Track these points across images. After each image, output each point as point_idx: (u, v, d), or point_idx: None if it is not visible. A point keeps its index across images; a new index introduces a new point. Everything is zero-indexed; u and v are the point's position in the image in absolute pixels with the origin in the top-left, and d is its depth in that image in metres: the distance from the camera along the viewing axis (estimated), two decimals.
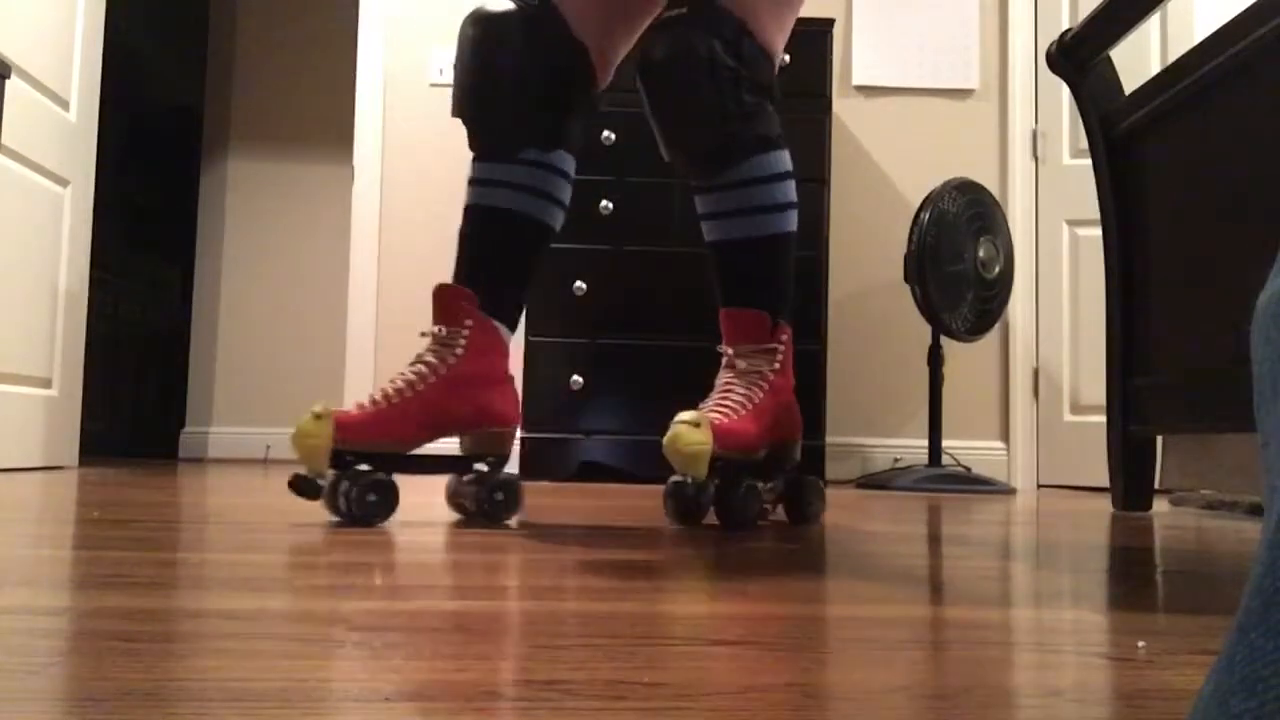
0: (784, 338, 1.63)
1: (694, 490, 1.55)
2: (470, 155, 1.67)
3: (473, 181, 1.60)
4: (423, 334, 1.61)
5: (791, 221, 1.64)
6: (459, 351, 1.57)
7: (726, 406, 1.55)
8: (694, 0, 1.56)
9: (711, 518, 1.60)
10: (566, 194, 1.65)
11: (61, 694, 0.51)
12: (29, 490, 2.12)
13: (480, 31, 1.54)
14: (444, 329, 1.56)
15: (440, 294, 1.57)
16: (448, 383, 1.58)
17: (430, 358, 1.56)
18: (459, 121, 3.64)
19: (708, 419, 1.47)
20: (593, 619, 0.75)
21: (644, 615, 0.77)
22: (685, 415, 1.48)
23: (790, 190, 1.64)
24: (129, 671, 0.56)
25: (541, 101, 1.56)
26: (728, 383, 1.60)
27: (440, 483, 2.72)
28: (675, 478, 1.61)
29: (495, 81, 1.54)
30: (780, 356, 1.62)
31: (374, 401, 1.52)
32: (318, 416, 1.43)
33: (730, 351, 1.61)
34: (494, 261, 1.61)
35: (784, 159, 1.63)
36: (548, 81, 1.56)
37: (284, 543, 1.21)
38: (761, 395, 1.59)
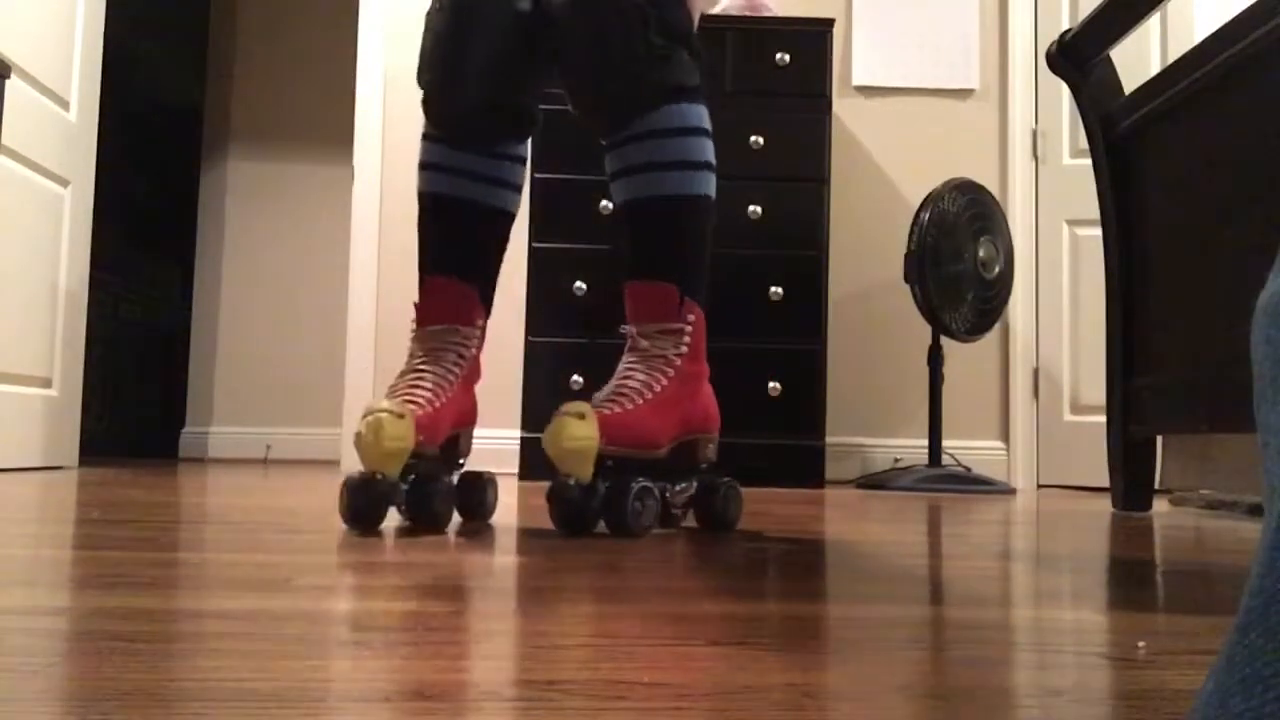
0: (691, 317, 1.46)
1: (578, 493, 1.34)
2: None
3: (450, 170, 1.51)
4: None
5: (706, 184, 1.48)
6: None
7: (622, 395, 1.40)
8: None
9: (602, 526, 1.39)
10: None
11: (61, 694, 0.51)
12: (29, 490, 2.12)
13: (488, 21, 1.45)
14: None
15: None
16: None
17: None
18: None
19: (593, 411, 1.34)
20: (592, 619, 0.75)
21: (644, 615, 0.77)
22: (570, 406, 1.34)
23: (706, 149, 1.48)
24: (129, 671, 0.56)
25: (495, 78, 1.47)
26: (628, 367, 1.45)
27: None
28: (560, 479, 1.38)
29: (500, 81, 1.48)
30: (688, 338, 1.45)
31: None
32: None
33: (637, 330, 1.46)
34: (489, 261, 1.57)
35: (699, 113, 1.48)
36: (520, 63, 1.48)
37: (284, 543, 1.21)
38: (665, 382, 1.43)
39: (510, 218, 1.55)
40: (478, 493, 1.53)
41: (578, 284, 3.13)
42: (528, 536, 1.38)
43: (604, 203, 3.17)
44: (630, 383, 1.42)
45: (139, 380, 5.41)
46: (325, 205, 4.79)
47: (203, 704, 0.50)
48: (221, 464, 4.03)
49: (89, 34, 3.39)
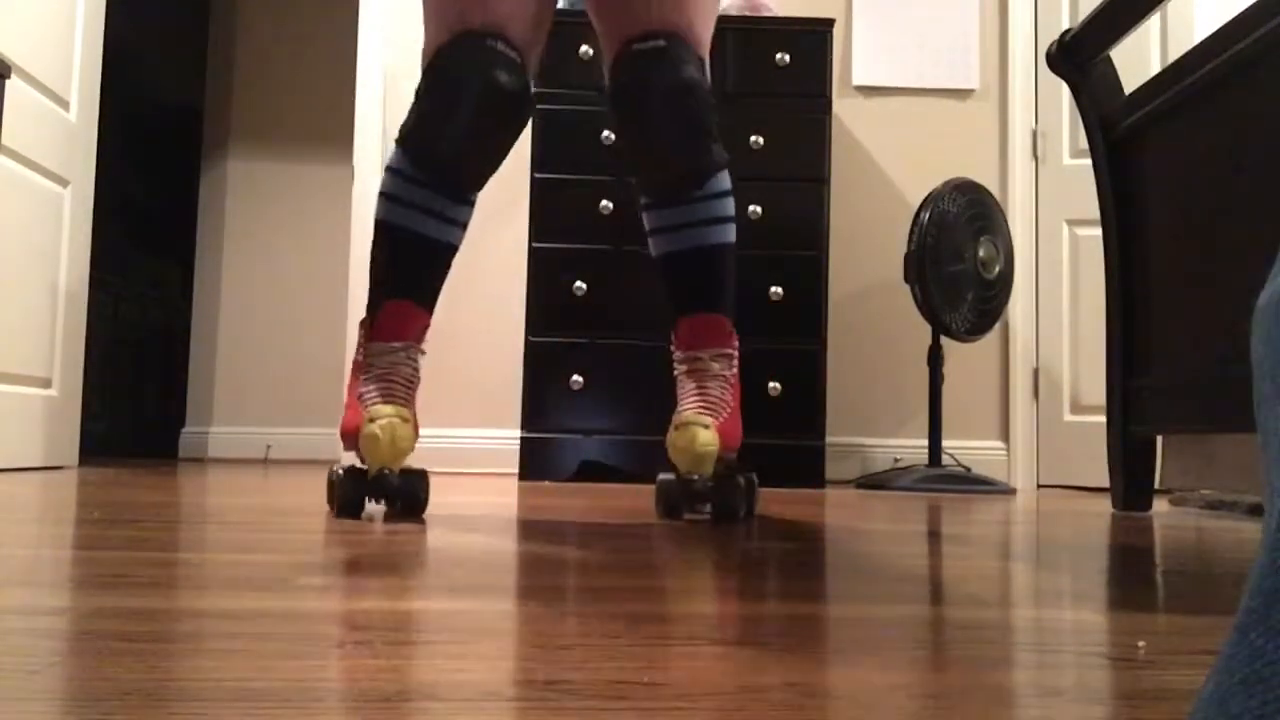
0: (736, 341, 1.77)
1: (701, 486, 1.61)
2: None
3: (424, 210, 1.64)
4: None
5: (734, 233, 1.78)
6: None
7: (712, 407, 1.67)
8: (663, 32, 1.65)
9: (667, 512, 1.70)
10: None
11: (61, 694, 0.51)
12: (29, 490, 2.12)
13: (478, 97, 1.57)
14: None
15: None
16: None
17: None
18: None
19: (713, 421, 1.61)
20: (593, 619, 0.75)
21: (644, 615, 0.77)
22: (692, 417, 1.60)
23: (732, 205, 1.78)
24: (129, 671, 0.56)
25: (500, 152, 1.66)
26: (702, 385, 1.70)
27: (439, 484, 2.73)
28: (666, 475, 1.71)
29: (480, 147, 1.62)
30: (736, 359, 1.77)
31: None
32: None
33: (704, 355, 1.72)
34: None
35: (728, 178, 1.78)
36: (509, 135, 1.64)
37: (284, 543, 1.21)
38: (731, 396, 1.72)
39: (455, 251, 1.71)
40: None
41: (578, 284, 3.13)
42: (528, 537, 1.38)
43: (604, 202, 3.17)
44: (711, 396, 1.69)
45: (139, 380, 5.41)
46: (325, 205, 4.79)
47: (203, 704, 0.50)
48: (221, 464, 4.03)
49: (89, 34, 3.39)
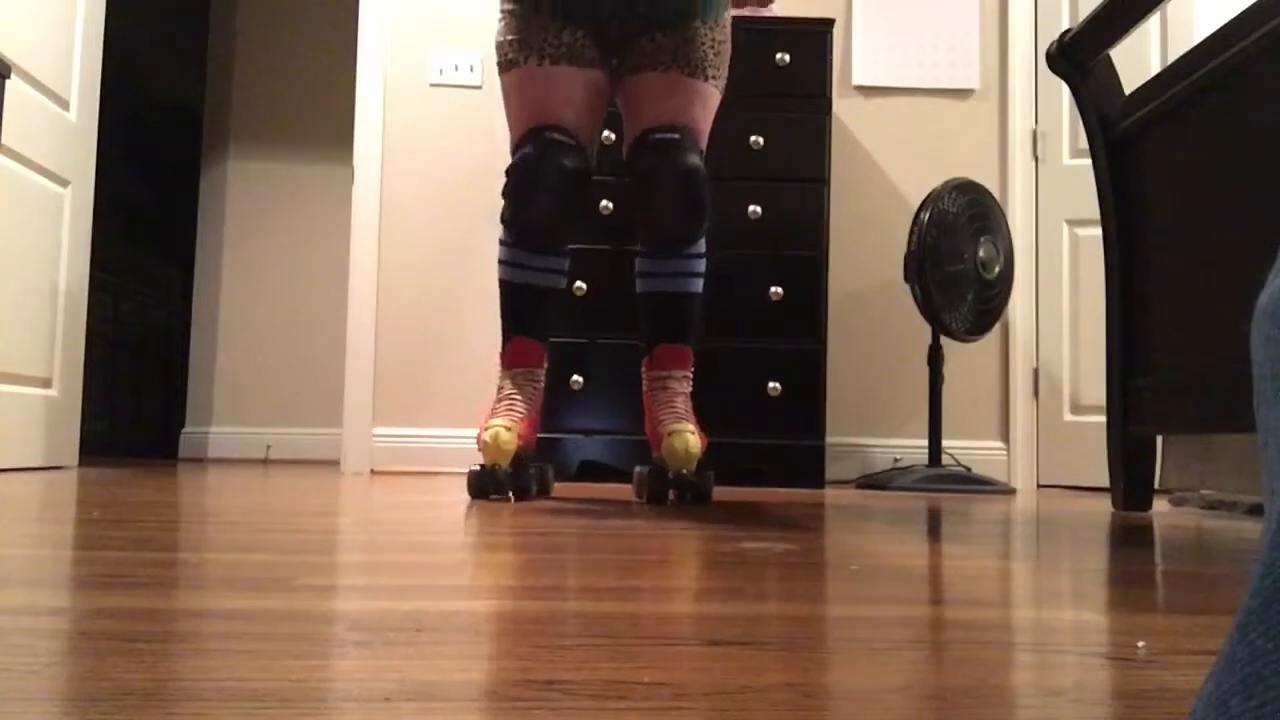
0: (692, 366, 2.27)
1: (692, 479, 2.11)
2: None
3: (528, 267, 2.17)
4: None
5: (702, 286, 2.28)
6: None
7: (685, 416, 2.18)
8: (676, 125, 2.12)
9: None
10: None
11: (61, 694, 0.51)
12: (29, 490, 2.12)
13: (549, 178, 2.05)
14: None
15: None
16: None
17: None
18: (459, 122, 3.65)
19: (695, 429, 2.14)
20: (593, 619, 0.75)
21: (644, 615, 0.77)
22: (681, 426, 2.12)
23: (704, 264, 2.27)
24: (129, 671, 0.56)
25: (574, 213, 2.14)
26: (673, 399, 2.20)
27: (440, 484, 2.73)
28: (644, 467, 2.26)
29: (556, 213, 2.10)
30: (691, 378, 2.27)
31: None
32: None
33: (676, 375, 2.22)
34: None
35: (704, 243, 2.28)
36: (578, 202, 2.12)
37: (284, 543, 1.21)
38: (691, 408, 2.23)
39: (559, 292, 2.23)
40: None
41: (578, 284, 3.13)
42: (527, 537, 1.38)
43: (604, 202, 3.17)
44: (680, 409, 2.19)
45: (139, 380, 5.41)
46: (325, 205, 4.79)
47: (203, 704, 0.50)
48: (221, 464, 4.03)
49: (89, 34, 3.39)
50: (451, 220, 3.62)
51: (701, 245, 2.24)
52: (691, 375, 2.26)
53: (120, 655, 0.59)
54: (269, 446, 4.66)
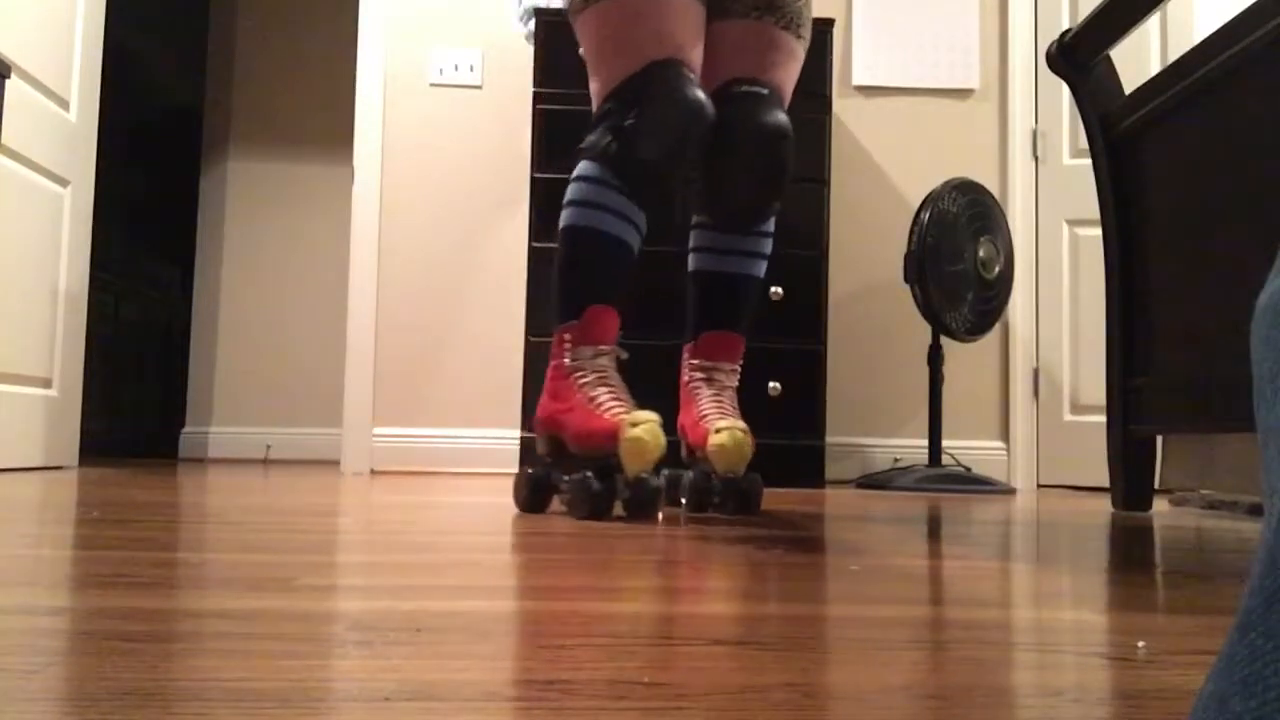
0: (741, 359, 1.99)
1: (746, 484, 1.83)
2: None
3: (623, 217, 1.77)
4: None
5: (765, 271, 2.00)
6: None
7: (732, 411, 1.88)
8: (765, 82, 1.86)
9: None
10: None
11: (61, 694, 0.51)
12: (29, 490, 2.12)
13: (687, 114, 1.73)
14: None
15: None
16: None
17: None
18: (459, 122, 3.65)
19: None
20: (593, 619, 0.75)
21: (644, 615, 0.77)
22: (735, 424, 1.77)
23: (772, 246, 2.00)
24: (129, 671, 0.56)
25: (690, 163, 1.80)
26: (718, 394, 1.91)
27: (441, 484, 2.73)
28: (673, 472, 1.96)
29: (683, 156, 1.76)
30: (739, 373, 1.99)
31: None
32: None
33: (723, 367, 1.93)
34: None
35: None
36: (699, 149, 1.79)
37: (284, 543, 1.21)
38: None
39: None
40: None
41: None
42: (528, 537, 1.38)
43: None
44: (727, 405, 1.89)
45: (139, 380, 5.41)
46: (325, 205, 4.79)
47: (203, 704, 0.50)
48: (221, 464, 4.03)
49: (89, 34, 3.39)
50: (451, 220, 3.62)
51: (772, 224, 1.97)
52: (740, 370, 1.99)
53: (120, 655, 0.59)
54: (269, 446, 4.66)
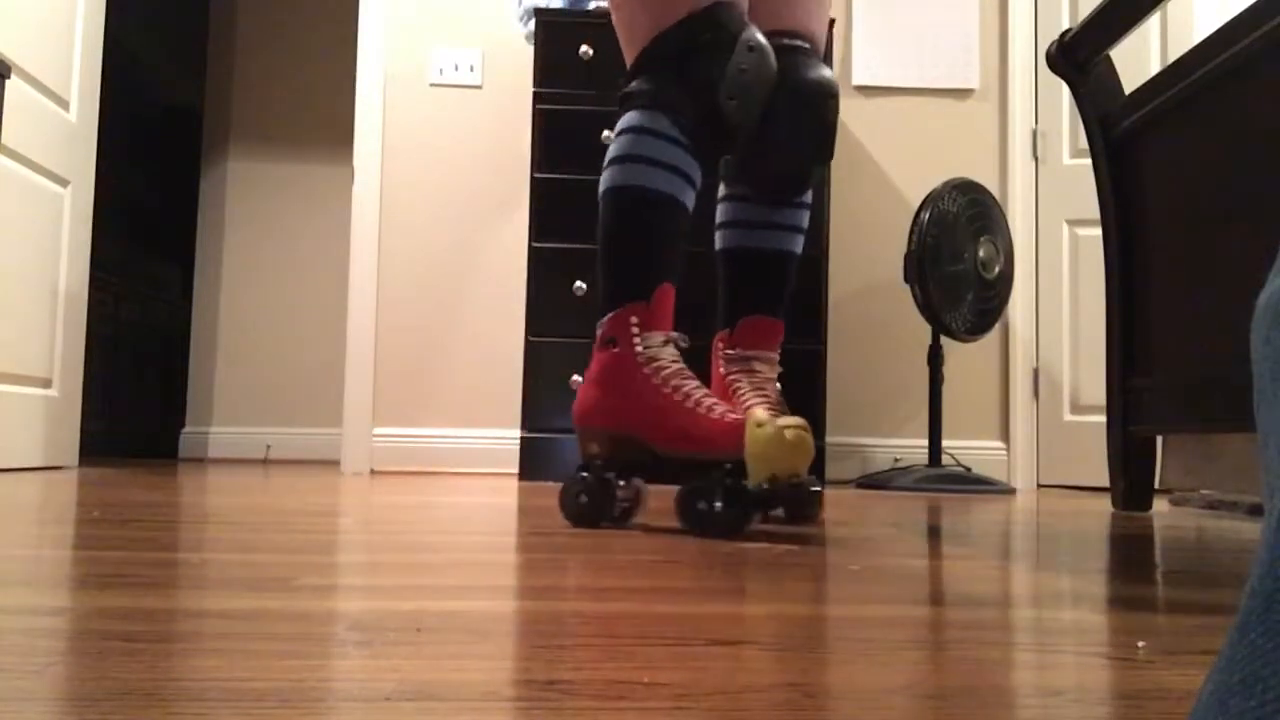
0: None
1: (806, 489, 1.63)
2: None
3: (683, 176, 1.55)
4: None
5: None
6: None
7: (783, 407, 1.71)
8: (806, 35, 1.72)
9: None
10: None
11: (61, 694, 0.51)
12: (29, 490, 2.12)
13: (761, 60, 1.55)
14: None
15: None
16: None
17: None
18: (459, 122, 3.65)
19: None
20: (593, 619, 0.75)
21: (644, 615, 0.77)
22: (796, 420, 1.46)
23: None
24: (129, 671, 0.56)
25: (759, 114, 1.61)
26: (761, 386, 1.72)
27: (441, 484, 2.73)
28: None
29: (755, 108, 1.57)
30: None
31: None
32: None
33: (766, 356, 1.76)
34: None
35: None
36: (766, 100, 1.60)
37: (284, 543, 1.21)
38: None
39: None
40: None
41: (578, 284, 3.13)
42: (527, 537, 1.38)
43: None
44: (772, 399, 1.71)
45: (139, 380, 5.40)
46: (325, 205, 4.79)
47: (203, 704, 0.50)
48: (221, 464, 4.03)
49: (89, 34, 3.39)
50: (451, 220, 3.62)
51: (810, 196, 1.81)
52: (778, 359, 1.80)
53: (120, 655, 0.59)
54: (269, 446, 4.66)
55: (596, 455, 1.55)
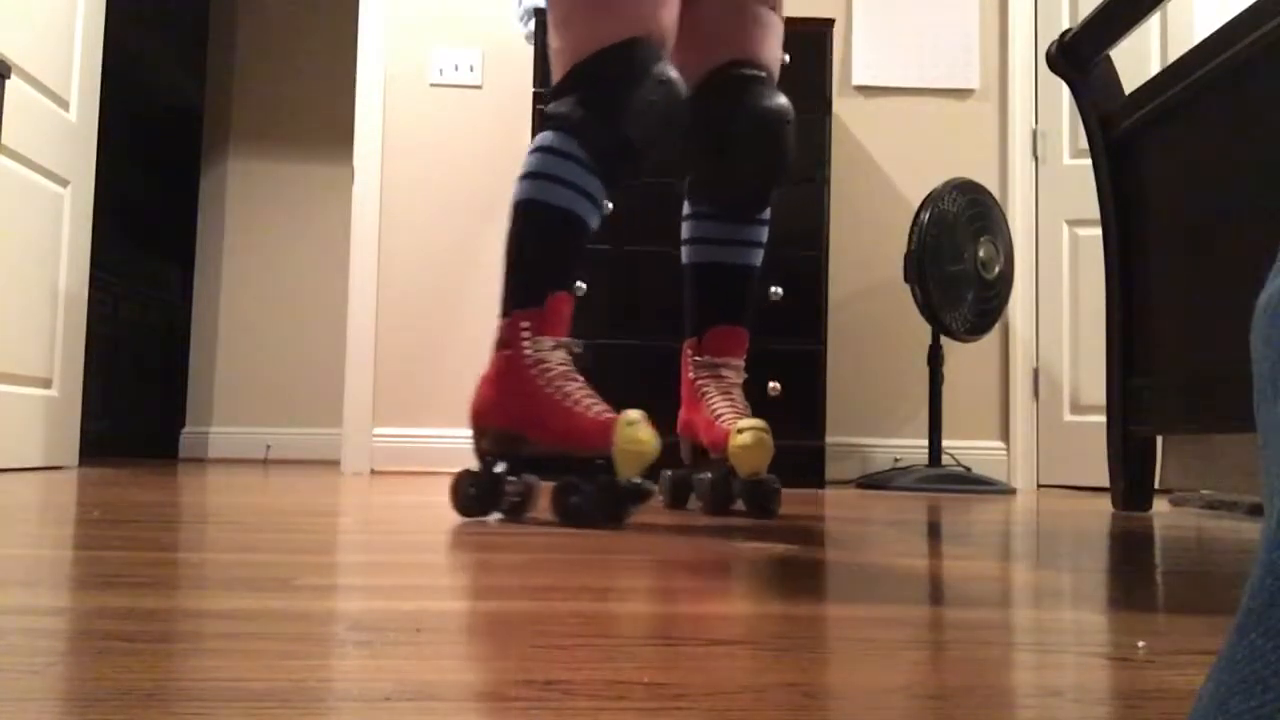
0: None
1: (770, 486, 1.79)
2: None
3: (588, 196, 1.65)
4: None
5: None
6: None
7: (749, 411, 1.84)
8: (760, 64, 1.84)
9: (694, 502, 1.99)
10: None
11: (61, 694, 0.51)
12: (29, 490, 2.12)
13: (669, 93, 1.65)
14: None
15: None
16: None
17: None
18: (459, 122, 3.65)
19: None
20: (593, 619, 0.75)
21: (644, 615, 0.77)
22: (758, 423, 1.74)
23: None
24: (129, 671, 0.56)
25: (664, 151, 1.72)
26: (727, 391, 1.86)
27: (441, 484, 2.73)
28: (678, 471, 1.98)
29: (665, 136, 1.67)
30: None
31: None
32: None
33: (732, 363, 1.89)
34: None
35: None
36: (673, 141, 1.72)
37: (284, 543, 1.21)
38: None
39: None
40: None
41: (577, 284, 3.13)
42: (527, 535, 1.38)
43: (605, 203, 3.16)
44: (740, 402, 1.85)
45: (139, 380, 5.41)
46: (325, 205, 4.79)
47: (203, 704, 0.50)
48: (221, 464, 4.03)
49: (89, 34, 3.39)
50: (451, 220, 3.62)
51: (768, 210, 1.94)
52: (745, 364, 1.95)
53: (120, 655, 0.59)
54: (269, 446, 4.66)
55: (488, 451, 1.64)
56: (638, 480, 1.53)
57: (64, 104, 3.25)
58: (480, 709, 0.50)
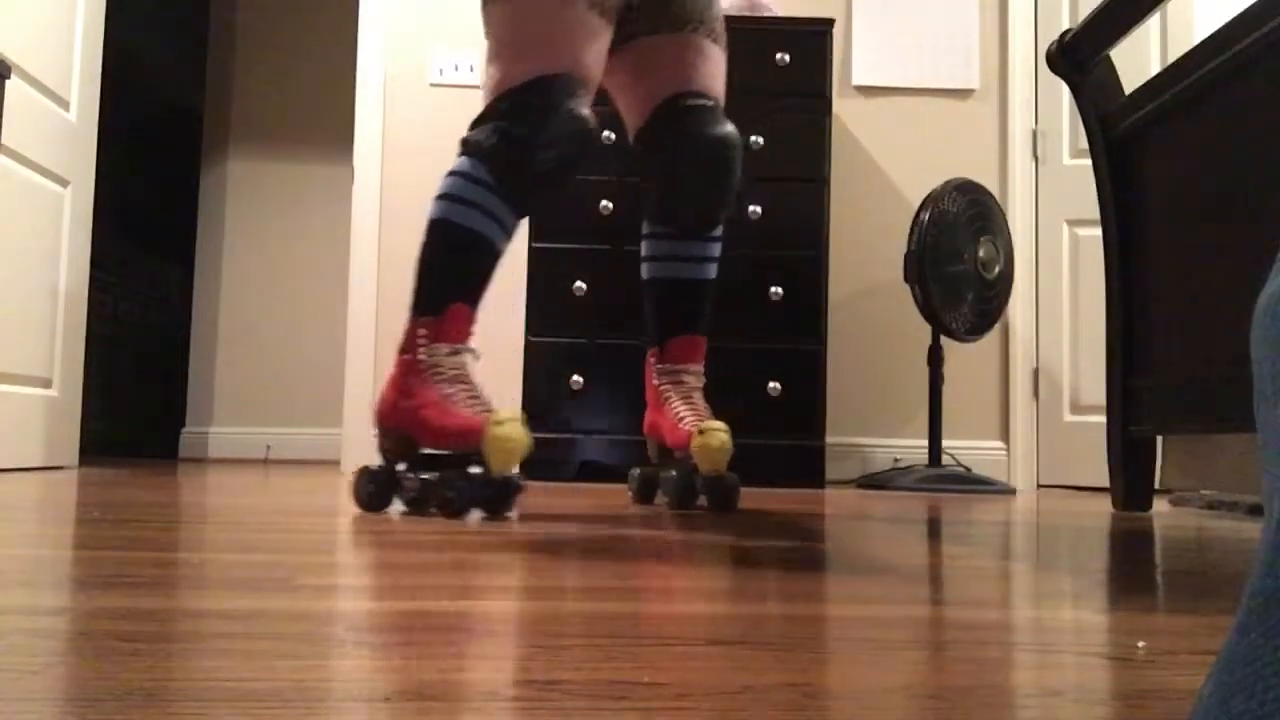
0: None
1: (730, 482, 1.92)
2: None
3: (495, 219, 1.76)
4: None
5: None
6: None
7: (709, 413, 1.99)
8: (708, 94, 1.96)
9: (662, 498, 2.14)
10: None
11: (61, 694, 0.51)
12: (29, 490, 2.12)
13: (578, 128, 1.75)
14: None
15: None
16: None
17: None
18: (459, 122, 3.65)
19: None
20: (593, 619, 0.75)
21: (644, 615, 0.77)
22: (712, 423, 1.90)
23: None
24: (129, 671, 0.56)
25: (566, 184, 1.83)
26: (691, 394, 2.02)
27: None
28: (645, 468, 2.14)
29: (568, 171, 1.77)
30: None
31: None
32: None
33: (692, 369, 2.04)
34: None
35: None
36: (575, 173, 1.82)
37: (284, 543, 1.21)
38: None
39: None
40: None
41: (577, 284, 3.13)
42: (527, 536, 1.38)
43: (604, 202, 3.16)
44: (700, 404, 2.00)
45: (139, 380, 5.41)
46: (325, 205, 4.79)
47: (203, 704, 0.50)
48: (221, 464, 4.03)
49: (89, 34, 3.39)
50: None
51: (720, 227, 2.07)
52: (703, 371, 2.10)
53: (120, 655, 0.59)
54: (269, 446, 4.66)
55: (389, 450, 1.76)
56: (509, 475, 1.64)
57: (64, 104, 3.25)
58: (480, 709, 0.50)
